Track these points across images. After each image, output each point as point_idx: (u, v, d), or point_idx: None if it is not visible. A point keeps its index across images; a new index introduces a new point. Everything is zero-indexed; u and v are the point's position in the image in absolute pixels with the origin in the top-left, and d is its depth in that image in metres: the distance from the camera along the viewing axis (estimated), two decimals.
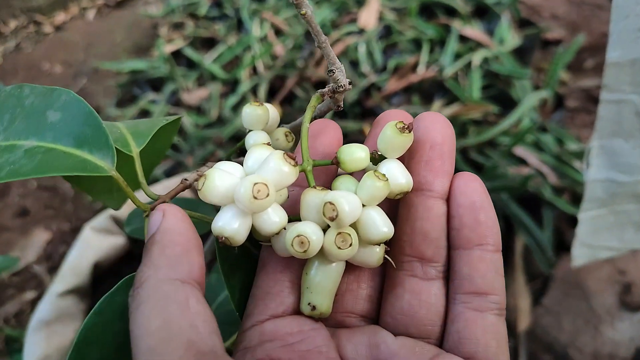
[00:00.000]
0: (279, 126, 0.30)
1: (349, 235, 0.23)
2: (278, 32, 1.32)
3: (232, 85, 1.21)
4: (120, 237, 0.78)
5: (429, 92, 1.08)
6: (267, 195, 0.22)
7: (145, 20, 1.60)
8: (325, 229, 0.24)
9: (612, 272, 0.81)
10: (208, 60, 1.27)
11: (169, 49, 1.33)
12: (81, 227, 0.81)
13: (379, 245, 0.25)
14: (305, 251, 0.22)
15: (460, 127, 0.99)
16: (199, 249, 0.22)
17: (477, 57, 1.10)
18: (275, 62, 1.23)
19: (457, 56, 1.12)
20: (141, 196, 0.27)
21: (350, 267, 0.26)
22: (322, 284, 0.24)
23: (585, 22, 1.31)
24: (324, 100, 0.27)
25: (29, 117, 0.25)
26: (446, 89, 1.06)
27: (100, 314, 0.22)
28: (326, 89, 0.27)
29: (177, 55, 1.33)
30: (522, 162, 0.91)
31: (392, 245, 0.26)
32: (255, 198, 0.22)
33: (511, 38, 1.16)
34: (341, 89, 0.26)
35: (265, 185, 0.22)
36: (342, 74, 0.26)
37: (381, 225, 0.23)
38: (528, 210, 0.85)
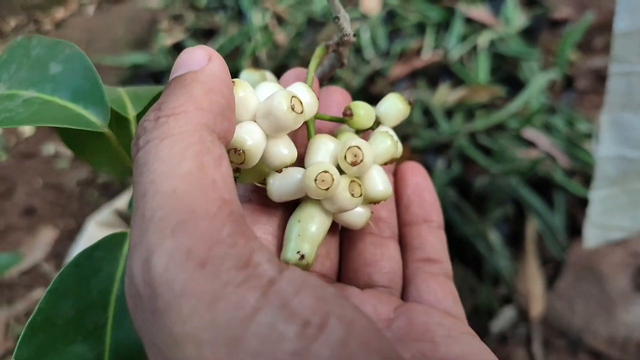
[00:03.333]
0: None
1: (359, 186, 0.23)
2: (279, 20, 1.30)
3: (233, 75, 1.20)
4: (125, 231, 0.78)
5: (434, 76, 1.06)
6: (302, 111, 0.21)
7: (145, 13, 1.59)
8: None
9: (625, 255, 0.80)
10: None
11: (169, 41, 1.32)
12: (82, 226, 0.81)
13: (367, 207, 0.25)
14: (327, 189, 0.21)
15: (468, 112, 0.97)
16: (233, 110, 0.20)
17: (483, 39, 1.08)
18: (278, 51, 1.21)
19: (463, 39, 1.10)
20: None
21: None
22: (315, 233, 0.23)
23: (593, 1, 1.28)
24: (329, 54, 0.26)
25: (33, 67, 0.24)
26: (452, 72, 1.04)
27: (78, 266, 0.22)
28: (331, 42, 0.26)
29: (178, 47, 1.31)
30: (531, 145, 0.89)
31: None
32: (292, 110, 0.21)
33: (517, 18, 1.13)
34: (346, 38, 0.25)
35: (300, 102, 0.21)
36: (347, 22, 0.25)
37: (385, 184, 0.24)
38: (539, 194, 0.83)
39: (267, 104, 0.21)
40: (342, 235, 0.28)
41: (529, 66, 1.02)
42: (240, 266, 0.15)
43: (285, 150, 0.22)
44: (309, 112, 0.23)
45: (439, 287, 0.25)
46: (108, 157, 0.32)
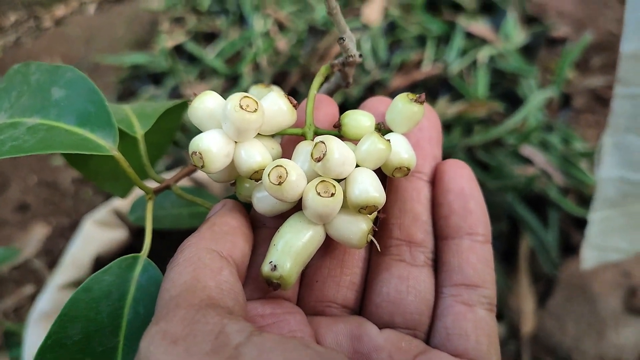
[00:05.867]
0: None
1: (333, 185, 0.21)
2: (281, 27, 1.30)
3: (233, 80, 1.20)
4: (122, 231, 0.78)
5: (434, 89, 1.07)
6: (255, 110, 0.21)
7: (146, 14, 1.58)
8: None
9: (616, 275, 0.80)
10: (210, 55, 1.26)
11: (170, 43, 1.32)
12: (80, 222, 0.81)
13: (365, 220, 0.22)
14: (280, 184, 0.20)
15: (466, 126, 0.97)
16: (247, 239, 0.22)
17: (482, 54, 1.08)
18: (278, 58, 1.21)
19: (463, 53, 1.11)
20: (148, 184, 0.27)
21: (335, 252, 0.25)
22: (290, 243, 0.21)
23: (592, 20, 1.29)
24: (334, 74, 0.26)
25: (35, 94, 0.25)
26: (451, 86, 1.05)
27: (88, 290, 0.22)
28: (336, 61, 0.26)
29: (178, 50, 1.31)
30: (528, 161, 0.90)
31: (379, 229, 0.25)
32: (241, 108, 0.20)
33: (517, 35, 1.14)
34: (351, 59, 0.25)
35: (255, 101, 0.21)
36: (352, 43, 0.25)
37: (370, 187, 0.21)
38: (533, 210, 0.84)
39: (224, 108, 0.21)
40: (370, 263, 0.25)
41: (527, 83, 1.03)
42: (209, 339, 0.17)
43: (248, 154, 0.22)
44: (285, 121, 0.23)
45: (473, 329, 0.22)
46: (112, 175, 0.32)
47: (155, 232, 0.80)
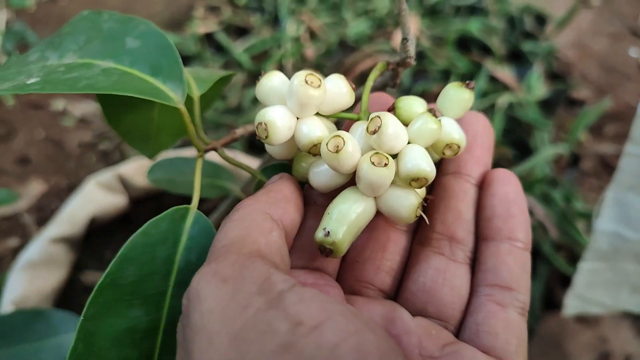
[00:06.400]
0: None
1: (386, 157, 0.22)
2: (312, 35, 1.32)
3: (256, 76, 1.21)
4: (122, 197, 0.78)
5: None
6: (319, 86, 0.22)
7: None
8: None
9: (593, 338, 0.81)
10: (238, 48, 1.28)
11: (202, 29, 1.34)
12: (79, 185, 0.81)
13: (415, 195, 0.23)
14: (337, 151, 0.22)
15: None
16: (298, 209, 0.24)
17: (502, 100, 1.10)
18: (304, 64, 1.23)
19: (484, 95, 1.13)
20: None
21: (379, 236, 0.26)
22: (344, 212, 0.22)
23: (612, 90, 1.31)
24: (384, 73, 0.28)
25: (107, 40, 0.26)
26: None
27: (145, 234, 0.23)
28: (393, 60, 0.27)
29: (208, 37, 1.33)
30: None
31: (423, 222, 0.26)
32: (306, 83, 0.22)
33: (539, 88, 1.16)
34: (408, 60, 0.26)
35: (319, 78, 0.22)
36: (413, 46, 0.26)
37: (421, 160, 0.22)
38: None
39: (290, 84, 0.23)
40: (411, 252, 0.26)
41: (540, 136, 1.04)
42: (256, 283, 0.18)
43: (310, 128, 0.23)
44: (344, 102, 0.24)
45: (503, 328, 0.23)
46: (143, 135, 0.33)
47: (152, 197, 0.80)
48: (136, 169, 0.78)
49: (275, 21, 1.38)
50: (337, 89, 0.24)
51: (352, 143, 0.22)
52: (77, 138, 1.18)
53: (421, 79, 1.18)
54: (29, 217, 1.02)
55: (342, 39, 1.28)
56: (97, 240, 0.79)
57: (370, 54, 1.23)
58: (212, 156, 0.30)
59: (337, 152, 0.22)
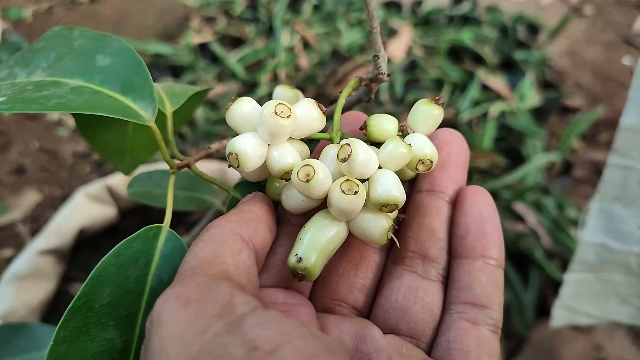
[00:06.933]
0: None
1: (356, 184, 0.22)
2: (306, 45, 1.33)
3: (250, 87, 1.22)
4: (111, 209, 0.78)
5: None
6: (289, 116, 0.22)
7: (179, 8, 1.62)
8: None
9: (587, 346, 0.80)
10: (232, 58, 1.28)
11: (196, 40, 1.34)
12: (72, 195, 0.81)
13: (386, 218, 0.23)
14: (308, 181, 0.22)
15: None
16: (270, 229, 0.24)
17: (494, 108, 1.11)
18: (297, 74, 1.24)
19: (476, 104, 1.13)
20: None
21: (351, 255, 0.26)
22: (316, 238, 0.23)
23: (606, 97, 1.32)
24: (359, 88, 0.28)
25: (78, 58, 0.25)
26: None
27: (118, 255, 0.23)
28: (365, 76, 0.27)
29: (202, 48, 1.34)
30: (519, 218, 0.91)
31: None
32: (276, 114, 0.22)
33: (531, 97, 1.17)
34: (380, 76, 0.27)
35: (289, 107, 0.23)
36: (384, 63, 0.26)
37: (392, 186, 0.22)
38: (516, 268, 0.84)
39: (260, 113, 0.23)
40: (384, 270, 0.26)
41: (532, 144, 1.05)
42: (218, 306, 0.18)
43: (281, 156, 0.23)
44: (315, 126, 0.24)
45: (475, 346, 0.22)
46: (118, 150, 0.33)
47: (140, 208, 0.80)
48: (125, 180, 0.78)
49: (269, 31, 1.39)
50: (308, 114, 0.24)
51: (323, 171, 0.22)
52: (71, 148, 1.18)
53: (414, 88, 1.19)
54: (24, 227, 1.02)
55: (335, 49, 1.28)
56: (85, 251, 0.79)
57: (363, 64, 1.24)
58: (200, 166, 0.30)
59: (307, 181, 0.22)
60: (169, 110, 0.28)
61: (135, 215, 0.81)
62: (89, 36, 0.26)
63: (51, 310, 0.71)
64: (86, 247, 0.78)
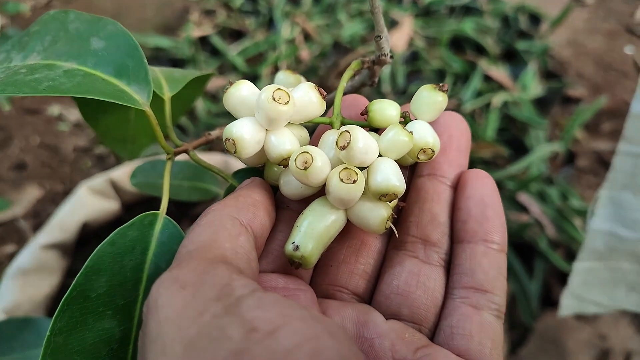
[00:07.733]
0: None
1: (355, 172, 0.22)
2: (307, 37, 1.32)
3: (251, 79, 1.21)
4: (114, 202, 0.78)
5: None
6: (287, 102, 0.22)
7: (178, 1, 1.61)
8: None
9: (592, 335, 0.80)
10: (233, 51, 1.28)
11: (197, 33, 1.34)
12: (74, 190, 0.81)
13: (385, 207, 0.23)
14: (305, 169, 0.21)
15: (469, 164, 0.98)
16: (268, 214, 0.23)
17: (497, 99, 1.10)
18: (298, 66, 1.23)
19: (478, 94, 1.13)
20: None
21: (352, 240, 0.25)
22: (313, 225, 0.22)
23: (609, 87, 1.31)
24: (362, 71, 0.27)
25: (72, 41, 0.25)
26: None
27: (113, 244, 0.23)
28: (368, 58, 0.27)
29: (202, 41, 1.33)
30: (523, 209, 0.91)
31: (397, 226, 0.25)
32: (274, 100, 0.21)
33: (534, 87, 1.16)
34: (383, 58, 0.26)
35: (287, 93, 0.22)
36: (387, 43, 0.26)
37: (391, 175, 0.22)
38: (521, 258, 0.84)
39: (257, 98, 0.22)
40: (385, 255, 0.26)
41: (536, 134, 1.04)
42: (215, 288, 0.17)
43: (279, 142, 0.23)
44: (315, 111, 0.24)
45: (478, 331, 0.22)
46: (121, 137, 0.33)
47: (143, 201, 0.79)
48: (128, 173, 0.78)
49: (270, 24, 1.38)
50: (307, 99, 0.23)
51: (321, 159, 0.22)
52: (73, 143, 1.18)
53: (416, 79, 1.18)
54: (25, 223, 1.01)
55: (336, 41, 1.28)
56: (90, 245, 0.78)
57: (365, 55, 1.23)
58: (205, 157, 0.29)
59: (305, 169, 0.21)
60: (167, 94, 0.28)
61: (139, 208, 0.81)
62: (84, 19, 0.26)
63: (56, 305, 0.70)
64: (91, 241, 0.78)
